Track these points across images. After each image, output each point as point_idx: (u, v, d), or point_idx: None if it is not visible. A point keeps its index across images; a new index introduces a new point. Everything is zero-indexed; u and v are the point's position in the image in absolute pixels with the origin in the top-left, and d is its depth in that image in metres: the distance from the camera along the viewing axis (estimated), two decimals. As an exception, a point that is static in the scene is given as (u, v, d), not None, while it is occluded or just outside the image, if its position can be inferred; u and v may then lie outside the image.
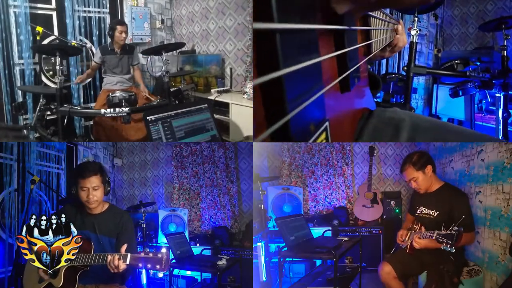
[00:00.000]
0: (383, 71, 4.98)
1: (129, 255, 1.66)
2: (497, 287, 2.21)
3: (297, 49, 0.51)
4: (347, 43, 0.77)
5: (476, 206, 2.52)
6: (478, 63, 3.75)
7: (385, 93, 4.15)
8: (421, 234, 2.20)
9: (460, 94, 3.93)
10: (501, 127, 3.48)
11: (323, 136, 0.61)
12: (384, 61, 4.96)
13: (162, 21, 5.41)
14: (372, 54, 1.13)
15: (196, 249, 3.45)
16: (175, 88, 4.06)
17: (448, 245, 1.96)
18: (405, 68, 3.26)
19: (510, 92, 3.47)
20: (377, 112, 1.15)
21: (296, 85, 0.50)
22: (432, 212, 2.35)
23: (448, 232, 1.98)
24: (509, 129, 3.55)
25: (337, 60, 0.77)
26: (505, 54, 3.39)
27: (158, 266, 1.62)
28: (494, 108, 3.64)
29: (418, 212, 2.43)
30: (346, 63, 0.77)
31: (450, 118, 4.96)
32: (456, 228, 1.97)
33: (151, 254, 1.64)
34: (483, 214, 2.45)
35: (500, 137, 3.46)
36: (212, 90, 4.58)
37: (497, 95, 3.45)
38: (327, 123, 0.63)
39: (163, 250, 1.66)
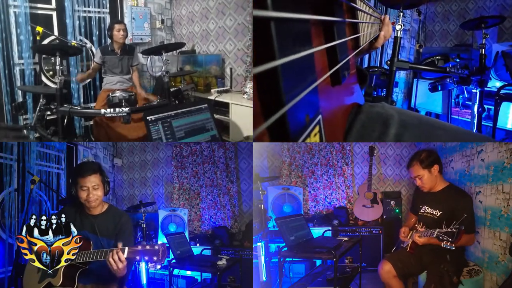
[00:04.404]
0: (366, 65, 5.01)
1: (126, 248, 1.68)
2: (497, 287, 2.21)
3: (292, 38, 0.49)
4: (337, 35, 0.75)
5: (476, 206, 2.52)
6: (458, 60, 3.82)
7: (367, 86, 4.20)
8: (422, 233, 2.20)
9: (439, 88, 4.03)
10: (475, 121, 3.61)
11: (317, 129, 0.60)
12: (367, 55, 4.96)
13: (162, 21, 5.42)
14: (361, 47, 1.11)
15: (196, 249, 3.45)
16: (175, 88, 4.06)
17: (448, 243, 1.97)
18: (389, 62, 3.27)
19: (485, 89, 3.61)
20: (365, 108, 1.12)
21: (292, 76, 0.48)
22: (436, 212, 2.34)
23: (449, 230, 1.99)
24: (483, 123, 3.67)
25: (328, 53, 0.75)
26: (483, 52, 3.46)
27: (155, 258, 1.64)
28: (470, 103, 3.76)
29: (421, 211, 2.43)
30: (336, 55, 0.76)
31: (428, 111, 5.12)
32: (457, 226, 1.98)
33: (148, 247, 1.66)
34: (483, 214, 2.45)
35: (474, 130, 3.55)
36: (212, 90, 4.58)
37: (473, 91, 3.56)
38: (320, 116, 0.62)
39: (160, 242, 1.67)
